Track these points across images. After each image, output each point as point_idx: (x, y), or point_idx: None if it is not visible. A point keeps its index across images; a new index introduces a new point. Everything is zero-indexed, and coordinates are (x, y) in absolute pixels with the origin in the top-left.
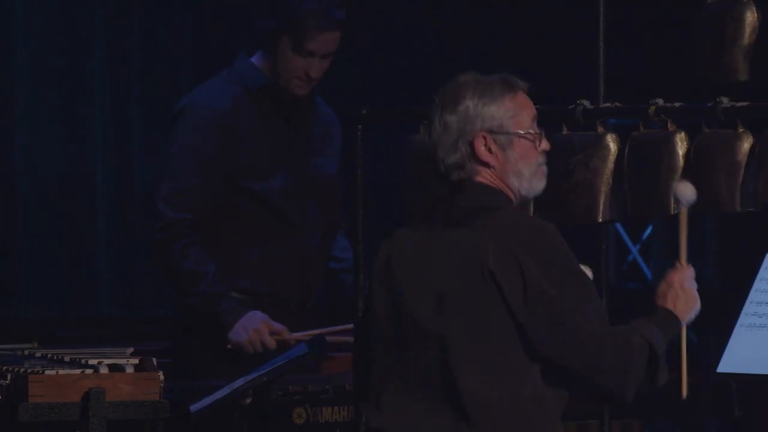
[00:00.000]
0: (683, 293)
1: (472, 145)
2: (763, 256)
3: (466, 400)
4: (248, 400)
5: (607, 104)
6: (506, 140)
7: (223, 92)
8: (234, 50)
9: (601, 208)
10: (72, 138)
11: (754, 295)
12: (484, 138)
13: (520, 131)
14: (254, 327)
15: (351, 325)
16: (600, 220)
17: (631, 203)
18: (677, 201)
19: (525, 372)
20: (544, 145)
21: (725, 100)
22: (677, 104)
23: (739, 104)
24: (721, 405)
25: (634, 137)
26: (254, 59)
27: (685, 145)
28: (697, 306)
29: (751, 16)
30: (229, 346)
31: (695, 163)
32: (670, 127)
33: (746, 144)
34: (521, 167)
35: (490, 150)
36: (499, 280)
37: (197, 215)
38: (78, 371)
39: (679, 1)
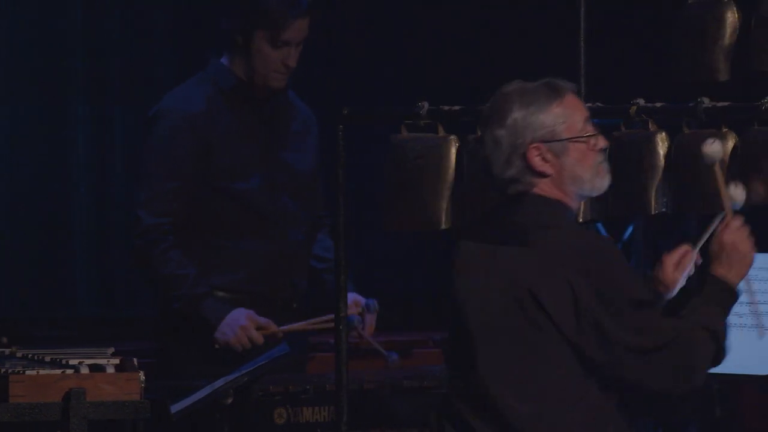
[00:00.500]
0: (737, 254)
1: (525, 157)
2: None
3: (507, 419)
4: (229, 401)
5: (589, 104)
6: (560, 147)
7: (196, 95)
8: (212, 52)
9: (582, 208)
10: (50, 138)
11: None
12: (538, 149)
13: (572, 136)
14: (240, 324)
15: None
16: (581, 219)
17: (612, 203)
18: (710, 160)
19: (575, 390)
20: (601, 143)
21: (706, 101)
22: (658, 104)
23: (720, 104)
24: (702, 406)
25: (615, 137)
26: (224, 60)
27: (666, 145)
28: (751, 261)
29: (732, 17)
30: (216, 346)
31: (676, 163)
32: (652, 127)
33: (728, 144)
34: (579, 172)
35: (545, 159)
36: (545, 304)
37: (176, 219)
38: (59, 371)
39: (660, 1)
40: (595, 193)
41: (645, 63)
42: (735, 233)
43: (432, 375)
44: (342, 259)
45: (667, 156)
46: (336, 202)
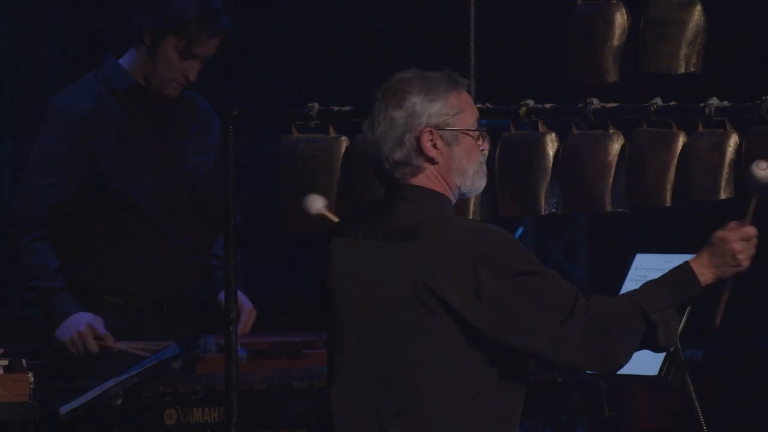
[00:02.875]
0: (728, 251)
1: (418, 140)
2: (633, 257)
3: (403, 414)
4: (119, 401)
5: (478, 105)
6: (452, 137)
7: (87, 93)
8: (103, 50)
9: (472, 208)
10: None
11: None
12: (431, 133)
13: (464, 128)
14: (78, 330)
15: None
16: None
17: (502, 204)
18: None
19: (472, 387)
20: (486, 144)
21: (595, 101)
22: (548, 105)
23: (609, 105)
24: (590, 405)
25: (504, 138)
26: (123, 60)
27: (556, 146)
28: (738, 267)
29: (621, 18)
30: (53, 344)
31: (565, 164)
32: (541, 128)
33: (616, 145)
34: (465, 165)
35: (435, 146)
36: (446, 296)
37: (52, 213)
38: None
39: (549, 2)
40: (472, 193)
41: (534, 64)
42: (736, 232)
43: (322, 375)
44: (232, 260)
45: (557, 157)
46: (225, 204)
